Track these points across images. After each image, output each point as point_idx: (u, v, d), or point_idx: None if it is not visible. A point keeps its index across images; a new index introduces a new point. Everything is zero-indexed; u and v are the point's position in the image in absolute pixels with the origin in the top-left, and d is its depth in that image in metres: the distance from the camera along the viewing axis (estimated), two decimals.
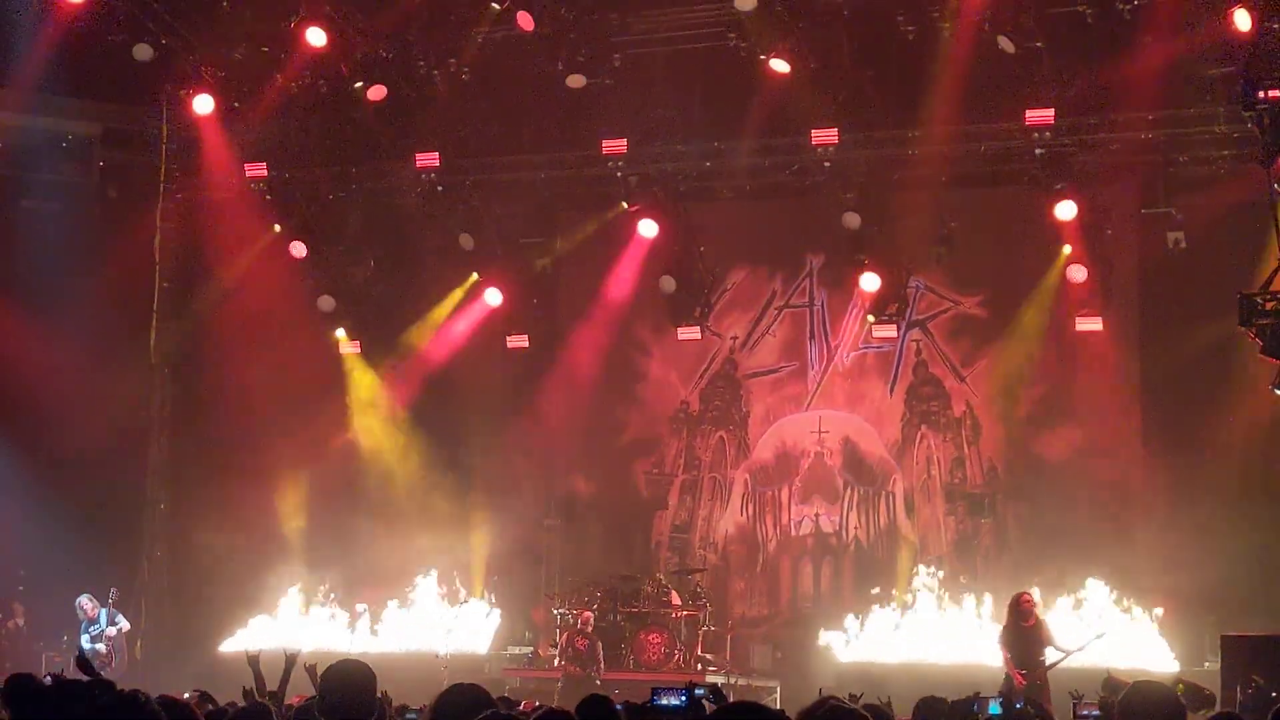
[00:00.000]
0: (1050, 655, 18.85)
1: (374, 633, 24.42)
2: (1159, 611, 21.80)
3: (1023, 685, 18.30)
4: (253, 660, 11.58)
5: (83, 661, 9.41)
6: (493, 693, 8.99)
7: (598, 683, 21.09)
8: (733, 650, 23.60)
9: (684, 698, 7.45)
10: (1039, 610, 19.33)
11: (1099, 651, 19.03)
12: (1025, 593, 19.36)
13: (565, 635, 22.68)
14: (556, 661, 22.58)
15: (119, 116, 25.19)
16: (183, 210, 25.37)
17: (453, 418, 25.53)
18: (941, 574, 23.74)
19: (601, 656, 22.17)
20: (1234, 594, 20.93)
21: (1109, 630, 20.01)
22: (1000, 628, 19.39)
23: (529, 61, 23.65)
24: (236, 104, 24.52)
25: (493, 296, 25.25)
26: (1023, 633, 18.88)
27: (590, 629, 22.41)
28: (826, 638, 23.27)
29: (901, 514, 24.91)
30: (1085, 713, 11.01)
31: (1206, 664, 19.98)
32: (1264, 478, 21.63)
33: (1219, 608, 20.92)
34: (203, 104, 24.24)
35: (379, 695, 7.50)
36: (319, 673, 7.49)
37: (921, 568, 24.03)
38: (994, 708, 9.92)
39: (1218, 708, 15.65)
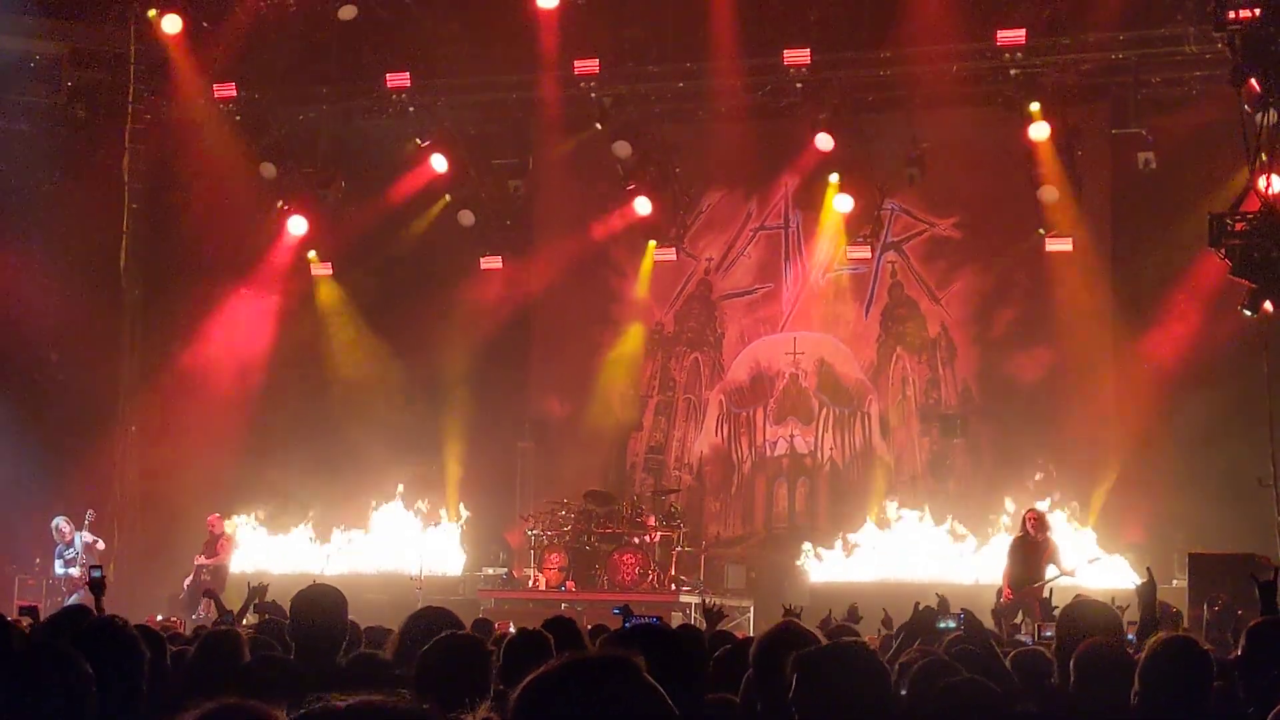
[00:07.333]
0: (1049, 574, 18.97)
1: (347, 554, 24.45)
2: (1091, 530, 22.06)
3: (1009, 601, 18.46)
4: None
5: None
6: (467, 615, 9.07)
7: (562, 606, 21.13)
8: (707, 570, 23.66)
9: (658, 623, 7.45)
10: (1048, 529, 19.34)
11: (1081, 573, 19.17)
12: (1034, 508, 19.56)
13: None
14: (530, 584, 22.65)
15: (87, 36, 24.92)
16: (152, 131, 25.19)
17: (425, 340, 25.47)
18: (916, 494, 23.88)
19: None
20: (1203, 512, 21.08)
21: (1102, 556, 20.26)
22: (1010, 539, 19.57)
23: None
24: (205, 24, 24.32)
25: (465, 218, 25.20)
26: (1029, 547, 18.96)
27: None
28: (801, 557, 23.38)
29: (877, 435, 24.98)
30: (1023, 638, 10.97)
31: (1175, 582, 20.10)
32: (1234, 397, 21.71)
33: (1188, 526, 21.09)
34: (171, 24, 24.02)
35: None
36: (290, 598, 7.50)
37: (896, 488, 24.20)
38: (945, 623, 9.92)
39: (1185, 625, 15.80)
